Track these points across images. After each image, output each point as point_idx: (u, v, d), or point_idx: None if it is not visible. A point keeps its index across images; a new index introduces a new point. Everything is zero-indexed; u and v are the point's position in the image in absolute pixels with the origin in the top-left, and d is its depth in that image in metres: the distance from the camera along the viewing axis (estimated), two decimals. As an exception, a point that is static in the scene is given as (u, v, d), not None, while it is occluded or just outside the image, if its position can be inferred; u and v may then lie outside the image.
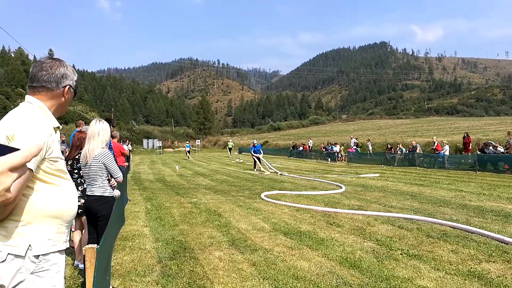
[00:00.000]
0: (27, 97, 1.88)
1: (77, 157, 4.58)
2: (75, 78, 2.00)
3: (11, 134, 1.70)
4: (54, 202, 1.82)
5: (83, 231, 4.48)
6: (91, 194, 4.05)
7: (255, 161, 21.06)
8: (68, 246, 1.96)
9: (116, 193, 4.20)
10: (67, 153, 4.48)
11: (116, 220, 4.40)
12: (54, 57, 1.96)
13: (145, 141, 68.36)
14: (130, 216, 7.62)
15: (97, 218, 4.04)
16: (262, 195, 10.04)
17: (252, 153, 21.19)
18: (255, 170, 20.11)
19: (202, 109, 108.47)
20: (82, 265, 4.56)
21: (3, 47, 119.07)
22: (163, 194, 10.93)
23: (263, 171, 19.24)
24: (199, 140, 64.83)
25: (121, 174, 4.17)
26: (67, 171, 1.94)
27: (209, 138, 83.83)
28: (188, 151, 39.67)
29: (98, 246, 1.96)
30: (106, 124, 4.19)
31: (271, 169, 19.21)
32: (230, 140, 56.83)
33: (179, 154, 46.49)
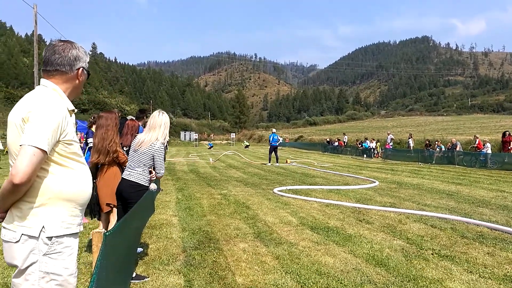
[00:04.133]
0: (42, 80, 1.91)
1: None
2: (88, 60, 2.01)
3: (26, 116, 1.73)
4: (68, 185, 1.84)
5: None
6: (127, 178, 4.07)
7: (270, 154, 19.88)
8: (81, 230, 1.98)
9: (153, 186, 4.22)
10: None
11: (145, 208, 4.46)
12: (66, 39, 1.97)
13: (182, 133, 69.60)
14: (161, 206, 7.74)
15: (128, 203, 4.08)
16: (276, 190, 9.93)
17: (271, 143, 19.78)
18: (270, 164, 19.33)
19: (238, 103, 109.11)
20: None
21: (50, 40, 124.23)
22: (195, 185, 11.06)
23: (278, 164, 19.11)
24: (234, 134, 65.22)
25: (164, 170, 4.21)
26: (81, 154, 1.95)
27: (244, 131, 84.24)
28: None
29: (106, 231, 1.96)
30: (168, 117, 4.22)
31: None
32: (245, 140, 57.16)
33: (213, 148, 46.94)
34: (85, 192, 1.93)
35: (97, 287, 1.62)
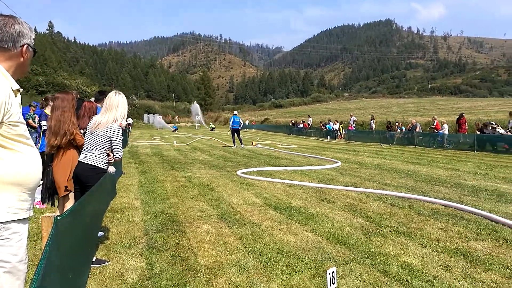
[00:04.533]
0: None
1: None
2: (33, 36, 1.89)
3: None
4: (16, 169, 1.75)
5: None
6: (84, 162, 3.95)
7: (233, 136, 19.80)
8: (31, 215, 1.89)
9: (111, 169, 4.12)
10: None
11: (103, 191, 4.35)
12: (6, 14, 1.85)
13: (145, 115, 68.14)
14: (123, 189, 7.59)
15: (85, 187, 3.97)
16: (240, 172, 9.98)
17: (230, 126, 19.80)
18: (235, 146, 19.37)
19: (204, 84, 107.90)
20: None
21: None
22: (158, 168, 10.90)
23: (243, 146, 19.23)
24: (199, 116, 64.56)
25: (122, 153, 4.10)
26: (29, 137, 1.86)
27: (210, 114, 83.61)
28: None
29: (57, 216, 1.89)
30: (125, 98, 4.08)
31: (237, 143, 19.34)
32: (211, 123, 57.26)
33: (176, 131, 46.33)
34: (34, 176, 1.85)
35: (45, 272, 1.56)
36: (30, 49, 1.87)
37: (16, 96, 1.82)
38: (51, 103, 5.91)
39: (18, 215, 1.77)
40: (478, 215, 5.58)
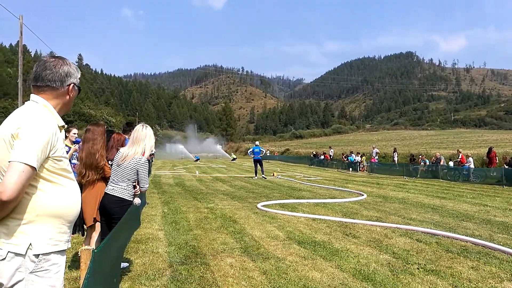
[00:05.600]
0: (32, 96, 1.90)
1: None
2: (79, 76, 2.00)
3: (16, 132, 1.72)
4: (57, 202, 1.82)
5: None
6: (111, 193, 4.03)
7: (255, 167, 19.87)
8: (69, 246, 1.95)
9: (137, 201, 4.19)
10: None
11: (130, 223, 4.41)
12: (57, 55, 1.97)
13: (167, 145, 69.16)
14: (146, 219, 7.65)
15: (112, 219, 4.04)
16: (260, 205, 9.91)
17: (251, 155, 19.81)
18: (256, 177, 19.29)
19: (225, 115, 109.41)
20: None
21: (36, 51, 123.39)
22: (181, 199, 10.98)
23: (265, 177, 19.16)
24: (221, 146, 65.12)
25: (148, 184, 4.18)
26: (71, 171, 1.94)
27: (231, 144, 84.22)
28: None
29: (95, 249, 1.94)
30: (151, 131, 4.20)
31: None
32: (232, 153, 58.22)
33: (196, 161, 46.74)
34: (74, 209, 1.91)
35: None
36: (76, 88, 1.98)
37: (60, 132, 1.92)
38: (72, 135, 6.12)
39: (58, 246, 1.83)
40: (511, 255, 5.38)
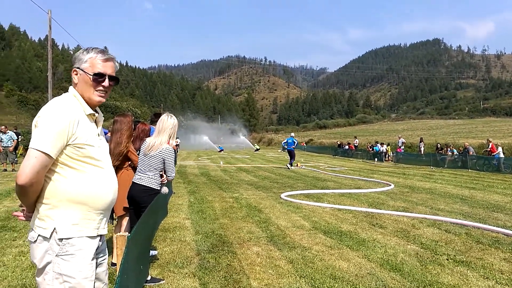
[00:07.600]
0: (70, 87, 1.97)
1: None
2: (85, 59, 1.96)
3: (36, 121, 1.80)
4: (79, 188, 1.84)
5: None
6: (138, 183, 4.11)
7: (292, 157, 19.96)
8: (103, 233, 1.99)
9: (164, 190, 4.25)
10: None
11: (158, 212, 4.50)
12: (88, 46, 2.01)
13: (192, 136, 69.79)
14: (173, 209, 7.79)
15: (140, 208, 4.12)
16: (284, 195, 9.90)
17: (284, 145, 19.97)
18: (290, 167, 19.32)
19: (248, 106, 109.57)
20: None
21: (63, 44, 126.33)
22: (206, 188, 11.11)
23: (289, 167, 19.19)
24: (244, 137, 65.27)
25: (174, 173, 4.25)
26: (101, 159, 1.95)
27: (254, 135, 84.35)
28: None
29: (129, 234, 1.99)
30: (176, 120, 4.26)
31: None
32: (256, 144, 58.16)
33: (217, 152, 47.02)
34: (101, 196, 1.92)
35: (121, 286, 1.64)
36: (82, 72, 1.94)
37: (93, 120, 1.96)
38: None
39: (83, 232, 1.86)
40: (544, 246, 5.22)
